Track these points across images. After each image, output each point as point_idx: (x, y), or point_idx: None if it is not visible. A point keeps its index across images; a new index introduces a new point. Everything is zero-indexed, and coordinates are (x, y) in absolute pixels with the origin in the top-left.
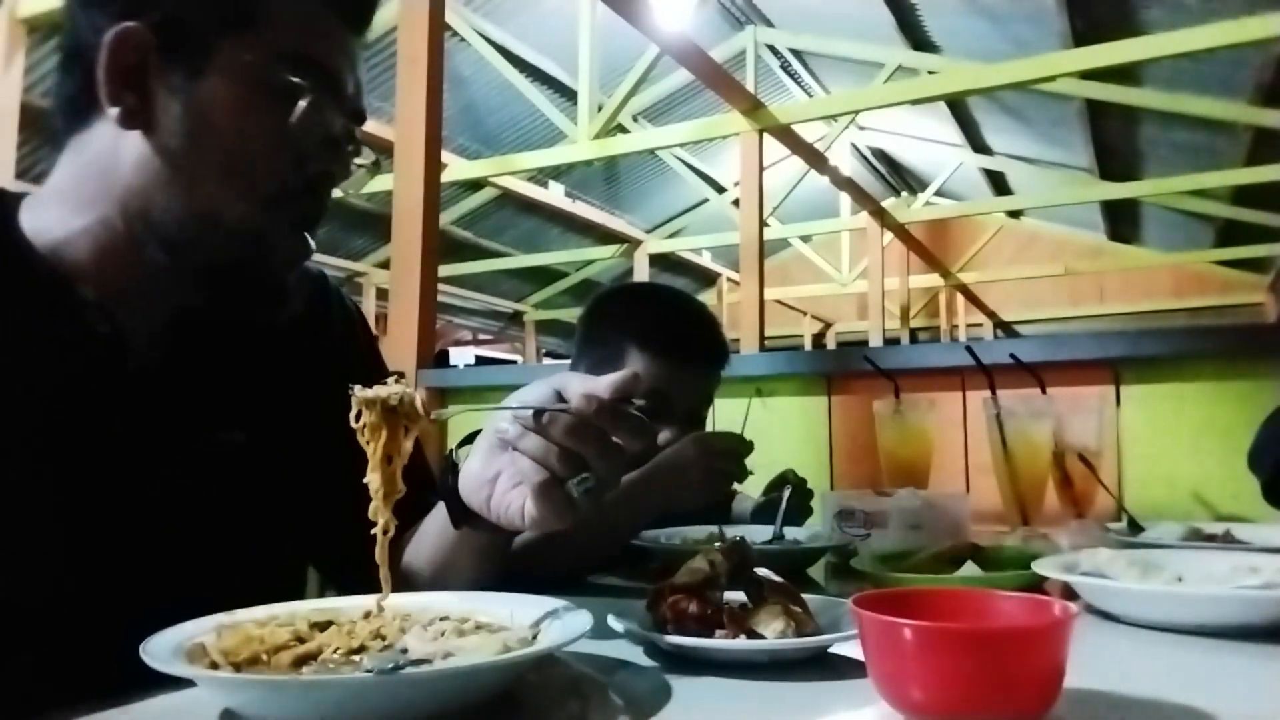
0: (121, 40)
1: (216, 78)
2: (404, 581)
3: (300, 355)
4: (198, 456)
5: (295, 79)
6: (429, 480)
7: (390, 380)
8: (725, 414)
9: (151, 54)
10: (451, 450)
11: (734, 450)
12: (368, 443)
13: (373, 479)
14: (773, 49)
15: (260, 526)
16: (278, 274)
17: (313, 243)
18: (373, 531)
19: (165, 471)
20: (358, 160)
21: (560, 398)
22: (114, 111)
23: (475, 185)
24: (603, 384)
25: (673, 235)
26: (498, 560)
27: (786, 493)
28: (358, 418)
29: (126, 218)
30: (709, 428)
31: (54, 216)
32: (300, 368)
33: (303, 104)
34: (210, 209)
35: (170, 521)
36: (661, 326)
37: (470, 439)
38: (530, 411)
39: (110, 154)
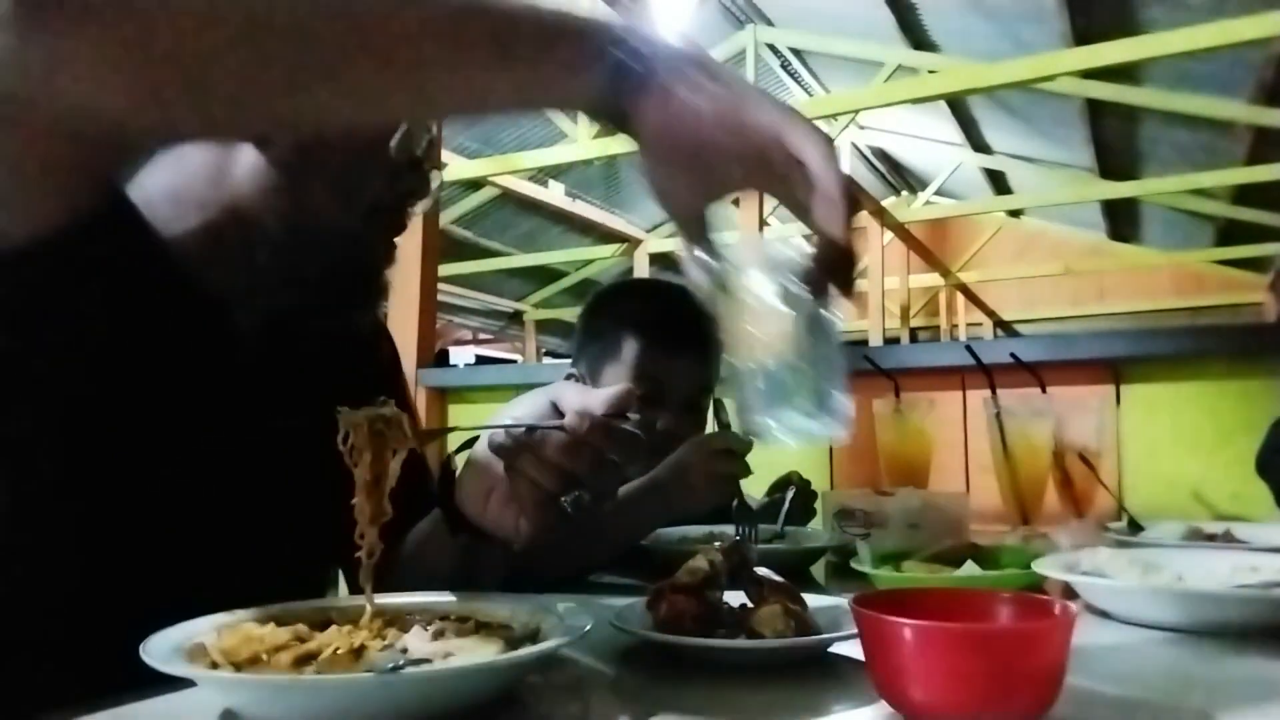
0: None
1: None
2: (403, 581)
3: (339, 355)
4: (274, 443)
5: None
6: (430, 481)
7: (379, 400)
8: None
9: None
10: (449, 457)
11: (733, 450)
12: (354, 464)
13: (359, 501)
14: (773, 48)
15: (300, 521)
16: (372, 278)
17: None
18: (357, 555)
19: (245, 454)
20: (431, 181)
21: (555, 410)
22: None
23: (475, 185)
24: (596, 399)
25: (673, 235)
26: (497, 564)
27: (790, 494)
28: (345, 439)
29: (238, 222)
30: (709, 419)
31: (163, 214)
32: (340, 367)
33: (401, 129)
34: (317, 217)
35: (212, 510)
36: (657, 316)
37: (468, 445)
38: (523, 428)
39: (221, 162)
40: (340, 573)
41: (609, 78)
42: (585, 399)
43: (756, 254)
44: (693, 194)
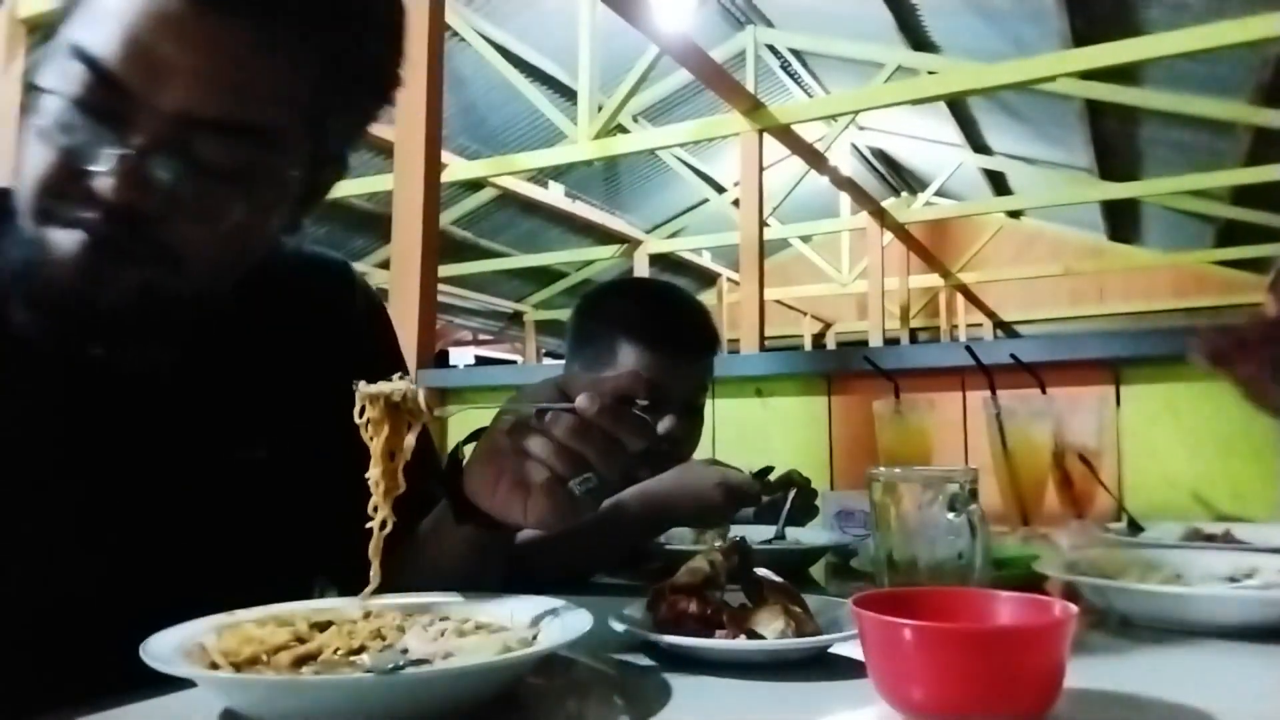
0: None
1: None
2: (405, 579)
3: (323, 351)
4: (219, 476)
5: None
6: (436, 475)
7: (395, 377)
8: (726, 414)
9: None
10: (456, 447)
11: (757, 494)
12: (370, 438)
13: (373, 473)
14: (773, 49)
15: (278, 540)
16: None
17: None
18: (368, 525)
19: (183, 491)
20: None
21: (564, 396)
22: None
23: (475, 185)
24: (606, 384)
25: (673, 235)
26: (500, 559)
27: (791, 494)
28: (361, 413)
29: None
30: (708, 421)
31: None
32: (323, 364)
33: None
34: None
35: (187, 539)
36: (651, 319)
37: (474, 437)
38: (533, 411)
39: None
40: (328, 577)
41: None
42: (594, 384)
43: None
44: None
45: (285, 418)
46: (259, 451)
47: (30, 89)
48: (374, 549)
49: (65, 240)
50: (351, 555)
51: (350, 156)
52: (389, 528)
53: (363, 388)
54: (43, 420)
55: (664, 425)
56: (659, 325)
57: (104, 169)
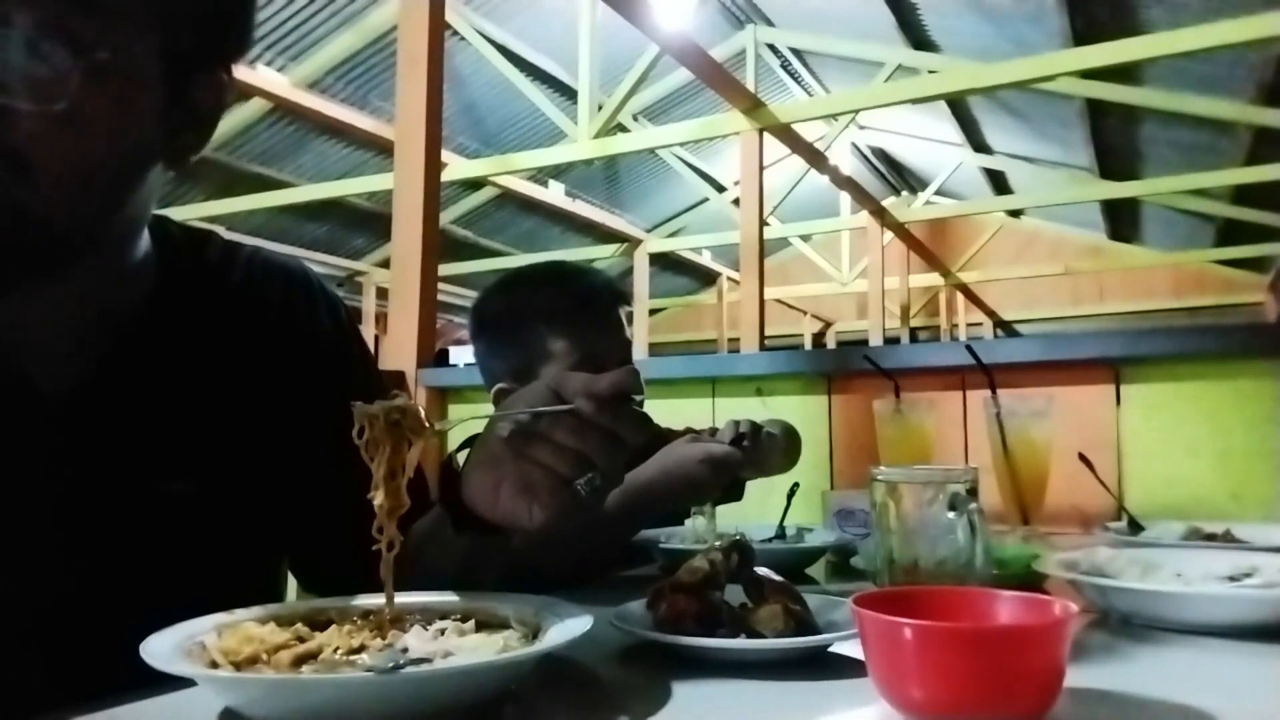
0: None
1: None
2: (402, 583)
3: (281, 366)
4: (137, 511)
5: None
6: (425, 487)
7: (392, 394)
8: (726, 413)
9: None
10: (451, 455)
11: (741, 463)
12: (370, 458)
13: (377, 496)
14: (773, 48)
15: (209, 577)
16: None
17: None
18: (375, 548)
19: (99, 526)
20: None
21: (558, 398)
22: None
23: (475, 185)
24: (602, 382)
25: (673, 234)
26: (498, 563)
27: (791, 491)
28: (360, 434)
29: None
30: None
31: None
32: (280, 380)
33: None
34: None
35: (117, 569)
36: (571, 302)
37: (468, 443)
38: (530, 415)
39: None
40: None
41: None
42: (590, 382)
43: None
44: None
45: (228, 444)
46: (185, 485)
47: None
48: (385, 571)
49: None
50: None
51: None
52: (397, 548)
53: (360, 408)
54: None
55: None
56: (581, 305)
57: None
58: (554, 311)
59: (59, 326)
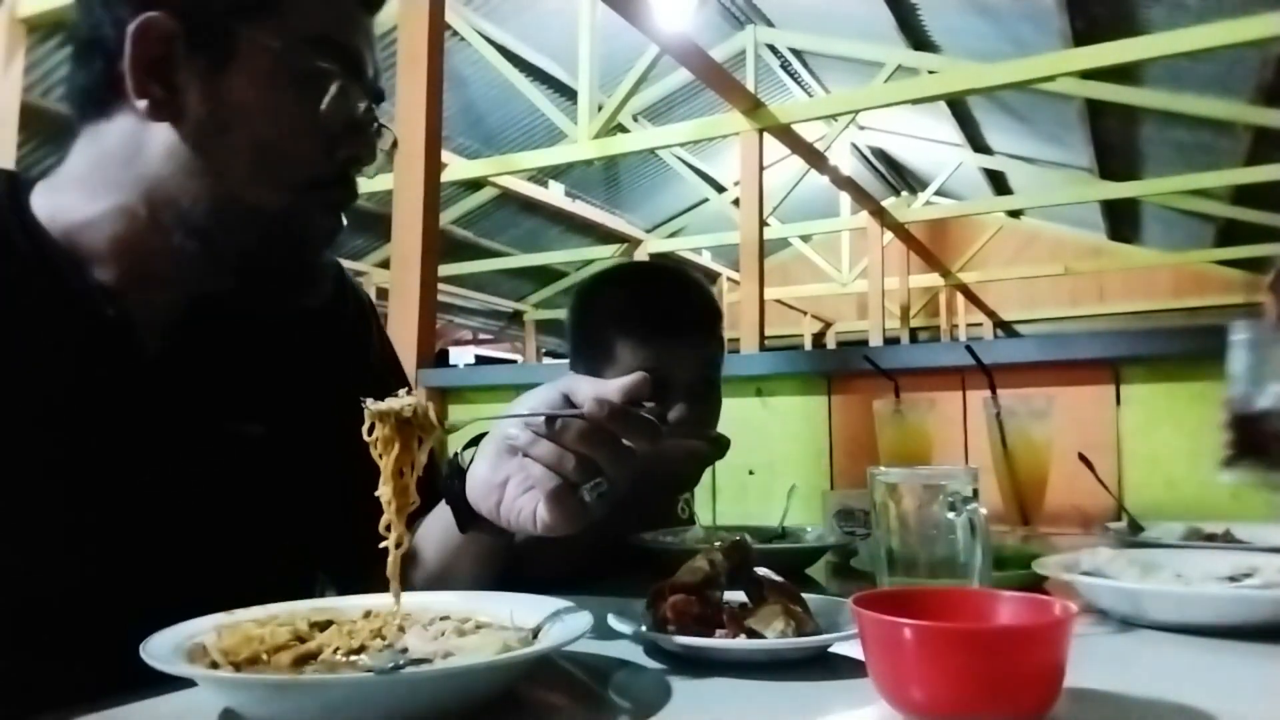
0: (145, 31)
1: (242, 65)
2: (405, 581)
3: (316, 347)
4: (212, 449)
5: (321, 63)
6: (436, 483)
7: (402, 392)
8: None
9: (176, 44)
10: (456, 454)
11: (712, 456)
12: (380, 456)
13: (384, 492)
14: (773, 48)
15: (274, 523)
16: (311, 257)
17: (344, 221)
18: (383, 545)
19: (177, 463)
20: (380, 144)
21: (568, 401)
22: (141, 103)
23: (475, 185)
24: (613, 387)
25: (673, 235)
26: (500, 562)
27: (791, 490)
28: (370, 431)
29: (151, 205)
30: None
31: (70, 201)
32: (316, 359)
33: (330, 89)
34: (242, 196)
35: (181, 515)
36: (643, 307)
37: (474, 442)
38: (541, 417)
39: (133, 143)
40: (325, 574)
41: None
42: (601, 387)
43: None
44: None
45: (282, 401)
46: (255, 428)
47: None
48: (392, 569)
49: (315, 202)
50: (350, 555)
51: None
52: (405, 546)
53: (372, 405)
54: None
55: (675, 414)
56: (652, 312)
57: (355, 135)
58: (630, 318)
59: (180, 267)
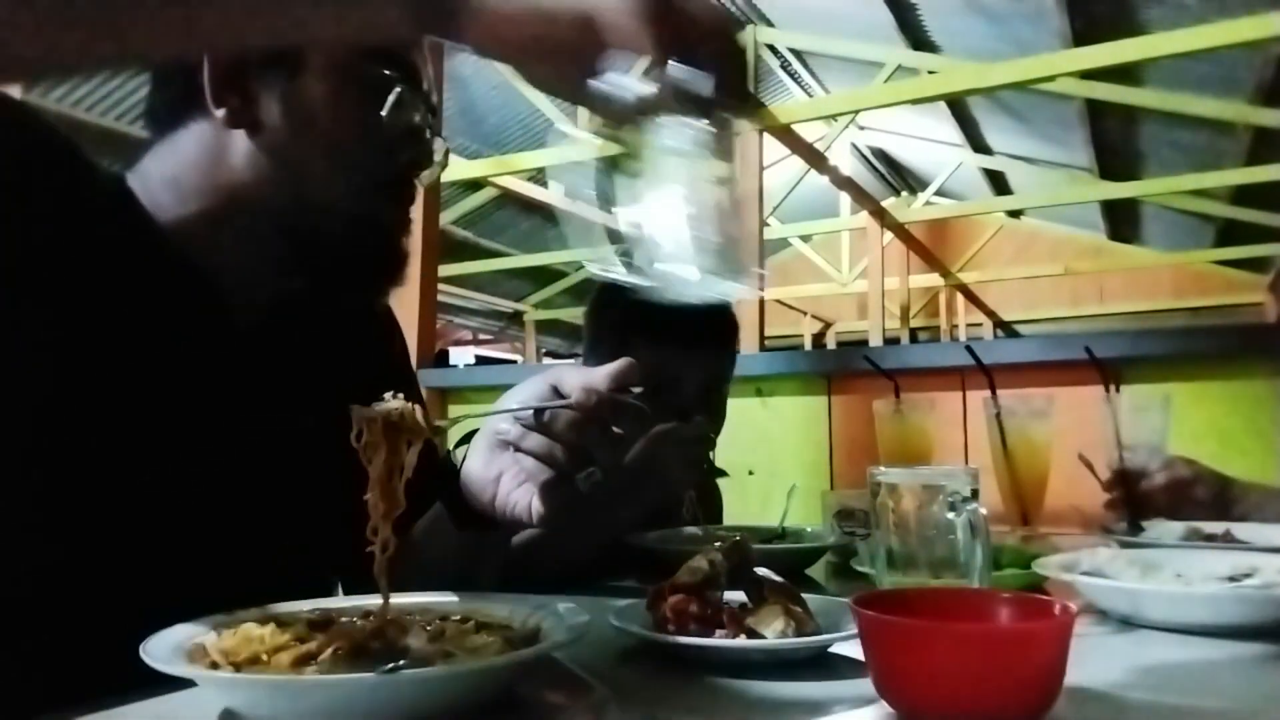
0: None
1: (312, 76)
2: (403, 581)
3: (354, 345)
4: (270, 439)
5: (385, 72)
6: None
7: (388, 395)
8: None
9: (251, 57)
10: (449, 452)
11: (696, 435)
12: (367, 460)
13: (372, 496)
14: (773, 48)
15: (302, 519)
16: (396, 242)
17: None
18: (369, 549)
19: (237, 451)
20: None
21: (556, 392)
22: (219, 113)
23: (475, 185)
24: (600, 375)
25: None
26: (496, 559)
27: (791, 490)
28: (358, 436)
29: (239, 209)
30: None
31: (165, 202)
32: (353, 358)
33: (392, 96)
34: (320, 196)
35: (237, 500)
36: (664, 310)
37: (467, 439)
38: (530, 410)
39: (214, 151)
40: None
41: None
42: (588, 376)
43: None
44: (553, 76)
45: (328, 396)
46: (309, 419)
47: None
48: (379, 571)
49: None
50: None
51: None
52: (391, 550)
53: (359, 410)
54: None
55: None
56: (674, 317)
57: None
58: (650, 322)
59: (266, 265)
